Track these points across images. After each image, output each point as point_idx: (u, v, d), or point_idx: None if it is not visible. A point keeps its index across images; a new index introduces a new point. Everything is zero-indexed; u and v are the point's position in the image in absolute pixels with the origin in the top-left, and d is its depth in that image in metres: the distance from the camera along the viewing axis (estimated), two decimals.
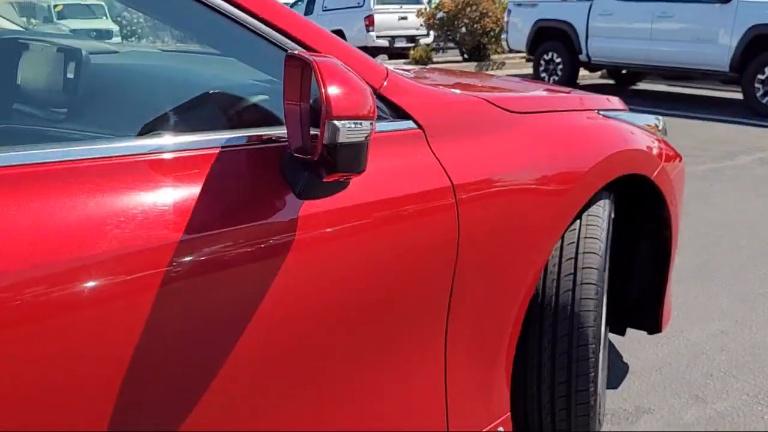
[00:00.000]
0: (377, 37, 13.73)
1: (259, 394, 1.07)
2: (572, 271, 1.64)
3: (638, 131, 1.94)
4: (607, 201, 1.75)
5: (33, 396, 0.84)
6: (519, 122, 1.55)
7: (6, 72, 1.40)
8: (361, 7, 13.87)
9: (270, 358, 1.07)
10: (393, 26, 13.97)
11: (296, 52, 1.03)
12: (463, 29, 12.44)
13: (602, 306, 1.72)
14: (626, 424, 2.03)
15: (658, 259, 2.07)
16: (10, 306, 0.80)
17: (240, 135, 1.11)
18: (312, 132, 1.01)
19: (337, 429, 1.21)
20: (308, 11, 14.84)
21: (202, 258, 0.98)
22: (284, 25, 1.15)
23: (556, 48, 9.94)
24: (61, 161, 0.92)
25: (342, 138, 0.90)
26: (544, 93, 1.92)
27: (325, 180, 1.00)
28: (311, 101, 1.01)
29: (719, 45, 7.98)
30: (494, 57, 12.72)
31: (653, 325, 2.16)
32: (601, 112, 1.88)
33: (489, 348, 1.52)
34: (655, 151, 1.93)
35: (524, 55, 11.49)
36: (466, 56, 12.86)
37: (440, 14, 12.74)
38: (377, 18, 13.70)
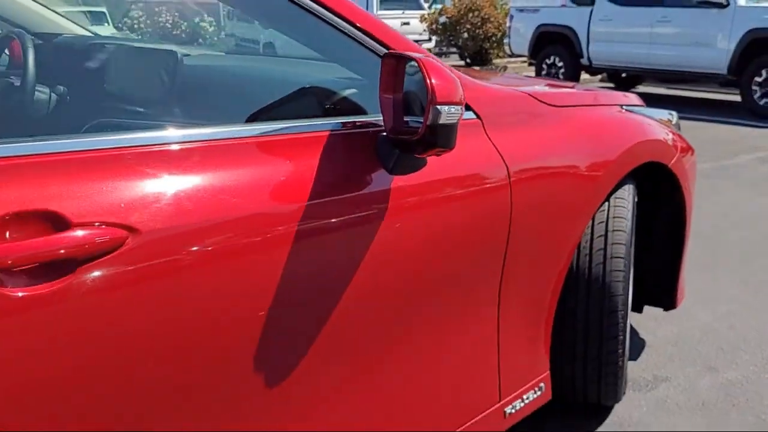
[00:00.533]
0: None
1: (357, 332, 1.28)
2: (603, 247, 1.86)
3: (656, 124, 2.16)
4: (631, 186, 1.97)
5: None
6: (557, 114, 1.77)
7: (113, 72, 1.61)
8: None
9: (370, 302, 1.28)
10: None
11: (396, 51, 1.24)
12: (465, 34, 12.69)
13: (629, 278, 1.93)
14: (646, 391, 2.24)
15: (674, 241, 2.29)
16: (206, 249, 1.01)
17: (336, 121, 1.32)
18: (405, 118, 1.23)
19: (420, 372, 1.42)
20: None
21: (315, 222, 1.18)
22: (372, 29, 1.36)
23: (557, 52, 10.18)
24: (203, 140, 1.13)
25: (443, 120, 1.12)
26: (576, 90, 2.14)
27: (421, 156, 1.21)
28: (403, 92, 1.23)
29: (717, 48, 8.21)
30: (496, 61, 12.96)
31: (669, 302, 2.38)
32: (624, 107, 2.10)
33: (533, 313, 1.74)
34: (671, 142, 2.15)
35: (525, 59, 11.73)
36: (468, 61, 13.10)
37: (443, 19, 12.98)
38: None
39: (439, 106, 1.11)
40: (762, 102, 7.86)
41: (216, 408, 1.08)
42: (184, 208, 1.01)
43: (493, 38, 12.62)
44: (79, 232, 0.89)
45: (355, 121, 1.34)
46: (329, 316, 1.21)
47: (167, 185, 1.02)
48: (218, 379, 1.08)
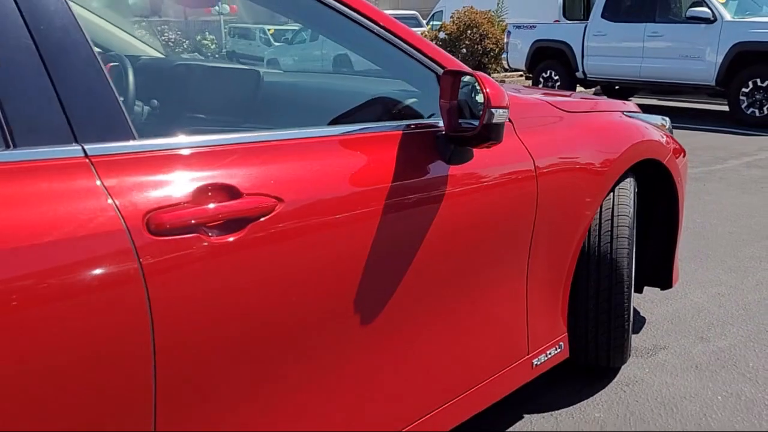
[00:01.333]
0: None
1: (428, 286, 1.65)
2: (609, 229, 2.22)
3: (651, 127, 2.54)
4: (632, 179, 2.34)
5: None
6: (571, 119, 2.15)
7: (217, 88, 1.98)
8: None
9: (435, 262, 1.64)
10: None
11: (453, 69, 1.62)
12: (465, 50, 13.15)
13: (632, 255, 2.30)
14: (647, 356, 2.60)
15: (668, 229, 2.66)
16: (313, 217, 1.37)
17: (401, 123, 1.69)
18: (460, 120, 1.60)
19: (471, 325, 1.79)
20: (313, 37, 15.47)
21: (394, 199, 1.54)
22: (429, 51, 1.74)
23: (553, 66, 10.63)
24: (296, 138, 1.49)
25: (495, 119, 1.49)
26: (585, 99, 2.52)
27: (477, 147, 1.59)
28: (458, 101, 1.60)
29: (706, 61, 8.66)
30: (494, 75, 13.41)
31: (666, 282, 2.74)
32: (624, 113, 2.48)
33: (554, 283, 2.10)
34: (665, 142, 2.53)
35: (522, 73, 12.19)
36: None
37: (442, 35, 13.44)
38: None
39: (492, 109, 1.49)
40: (749, 111, 8.28)
41: (336, 334, 1.44)
42: (310, 185, 1.38)
43: (491, 53, 13.08)
44: (247, 200, 1.25)
45: (417, 123, 1.71)
46: (407, 273, 1.57)
47: (296, 168, 1.39)
48: (338, 313, 1.44)
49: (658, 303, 3.06)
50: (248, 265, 1.24)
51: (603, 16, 10.02)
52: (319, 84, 2.22)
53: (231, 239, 1.21)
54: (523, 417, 2.22)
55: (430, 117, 1.73)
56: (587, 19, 13.34)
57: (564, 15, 15.36)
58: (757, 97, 8.22)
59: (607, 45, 9.86)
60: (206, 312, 1.19)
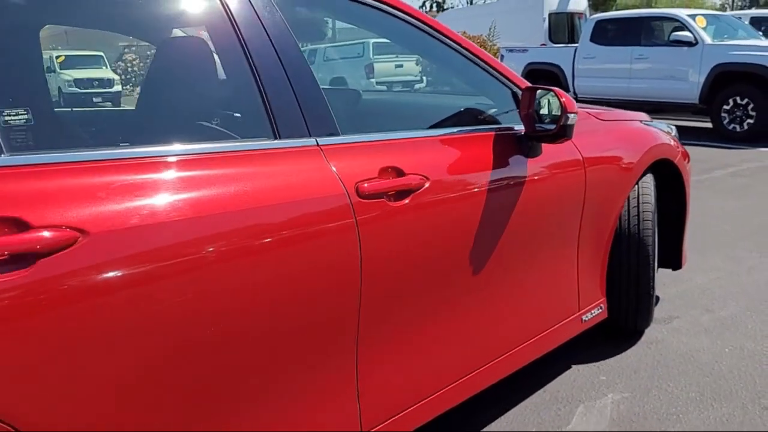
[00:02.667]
0: (377, 83, 15.02)
1: (516, 253, 2.17)
2: (636, 214, 2.77)
3: (663, 134, 3.10)
4: (651, 175, 2.89)
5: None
6: (606, 126, 2.70)
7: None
8: (361, 57, 15.22)
9: (520, 235, 2.17)
10: (390, 73, 15.29)
11: (532, 86, 2.16)
12: None
13: (655, 236, 2.84)
14: (664, 324, 3.14)
15: (678, 218, 3.21)
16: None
17: (486, 127, 2.23)
18: (537, 125, 2.15)
19: (539, 286, 2.32)
20: (310, 62, 16.09)
21: (490, 184, 2.08)
22: (504, 72, 2.29)
23: None
24: (426, 136, 2.02)
25: (570, 122, 2.04)
26: (614, 111, 3.07)
27: (556, 143, 2.13)
28: (534, 109, 2.15)
29: (689, 81, 9.33)
30: None
31: (677, 264, 3.28)
32: (642, 122, 3.04)
33: (596, 257, 2.63)
34: (674, 146, 3.09)
35: None
36: None
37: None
38: (376, 66, 15.03)
39: (568, 114, 2.03)
40: (730, 127, 8.95)
41: (454, 290, 1.97)
42: (444, 168, 1.91)
43: None
44: (409, 178, 1.78)
45: (499, 127, 2.25)
46: (503, 236, 2.10)
47: (434, 156, 1.92)
48: (463, 262, 1.96)
49: (669, 285, 3.61)
50: (411, 221, 1.77)
51: (592, 40, 10.71)
52: (421, 99, 2.76)
53: (401, 203, 1.74)
54: (571, 367, 2.74)
55: (505, 123, 2.27)
56: (571, 43, 14.11)
57: (550, 38, 16.16)
58: (738, 113, 8.89)
59: (597, 67, 10.53)
60: (390, 249, 1.71)
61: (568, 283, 2.51)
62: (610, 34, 10.58)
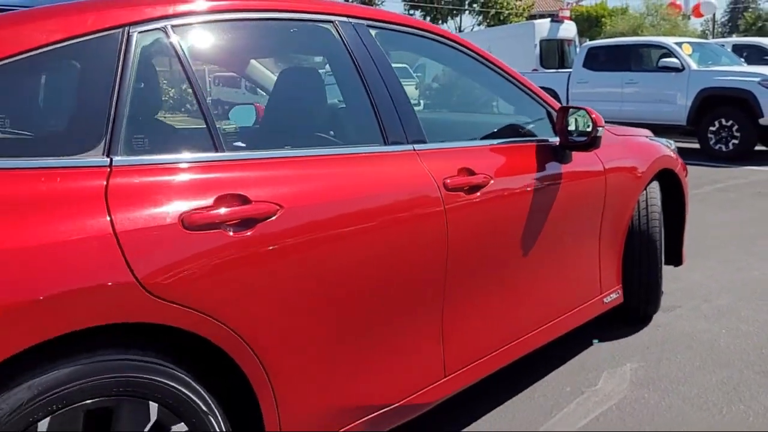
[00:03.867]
0: None
1: (555, 240, 2.66)
2: (646, 214, 3.27)
3: (665, 147, 3.62)
4: (657, 182, 3.40)
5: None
6: (621, 139, 3.21)
7: None
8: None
9: (557, 226, 2.66)
10: None
11: (565, 105, 2.67)
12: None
13: (662, 234, 3.34)
14: (668, 311, 3.62)
15: (678, 221, 3.71)
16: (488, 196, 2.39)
17: (528, 139, 2.73)
18: (571, 138, 2.65)
19: (568, 270, 2.80)
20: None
21: (538, 181, 2.57)
22: (540, 94, 2.80)
23: None
24: (468, 146, 2.52)
25: (599, 134, 2.54)
26: (626, 127, 3.58)
27: (587, 151, 2.63)
28: (566, 124, 2.66)
29: (677, 105, 9.93)
30: None
31: (678, 260, 3.78)
32: (648, 137, 3.56)
33: (613, 250, 3.12)
34: (674, 157, 3.61)
35: None
36: None
37: (436, 85, 14.68)
38: None
39: (598, 127, 2.54)
40: (716, 147, 9.53)
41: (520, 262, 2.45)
42: (502, 170, 2.40)
43: None
44: (478, 177, 2.27)
45: (537, 139, 2.75)
46: (544, 227, 2.59)
47: (493, 161, 2.42)
48: (514, 242, 2.44)
49: (670, 281, 4.10)
50: (480, 210, 2.26)
51: (585, 65, 11.32)
52: (470, 116, 3.25)
53: (474, 196, 2.23)
54: (593, 344, 3.22)
55: (541, 136, 2.78)
56: (561, 68, 14.76)
57: (541, 64, 16.82)
58: (723, 134, 9.49)
59: (590, 91, 11.12)
60: (466, 231, 2.19)
61: (593, 270, 3.00)
62: (601, 60, 11.20)
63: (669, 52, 10.16)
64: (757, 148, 9.72)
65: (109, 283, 1.34)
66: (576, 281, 2.88)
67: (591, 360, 3.05)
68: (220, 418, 1.57)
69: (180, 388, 1.48)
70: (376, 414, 1.98)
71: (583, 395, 2.73)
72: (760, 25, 55.97)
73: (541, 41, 17.84)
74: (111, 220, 1.38)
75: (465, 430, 2.47)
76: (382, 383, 2.00)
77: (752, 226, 5.65)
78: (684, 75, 9.86)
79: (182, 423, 1.50)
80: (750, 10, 61.51)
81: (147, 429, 1.45)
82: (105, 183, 1.42)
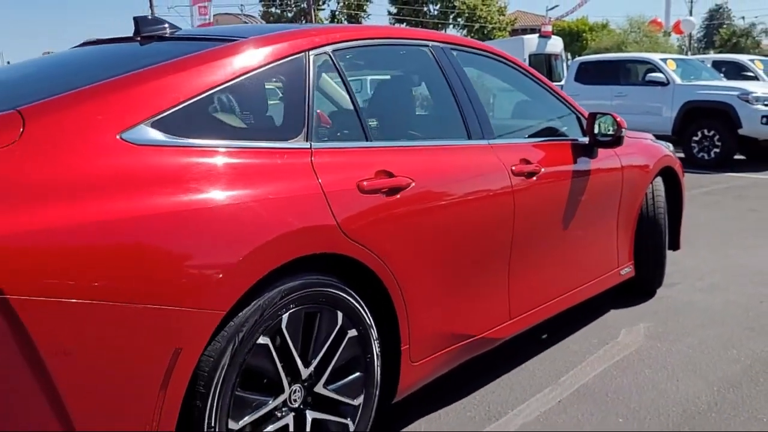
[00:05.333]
0: None
1: (583, 222, 3.33)
2: (653, 203, 3.96)
3: (665, 148, 4.31)
4: (660, 177, 4.09)
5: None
6: (632, 142, 3.89)
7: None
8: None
9: (587, 209, 3.32)
10: None
11: (594, 112, 3.34)
12: None
13: (666, 220, 4.02)
14: (669, 287, 4.30)
15: (676, 211, 4.40)
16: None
17: (563, 138, 3.40)
18: (599, 138, 3.33)
19: (592, 246, 3.47)
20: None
21: (575, 172, 3.23)
22: (571, 102, 3.47)
23: None
24: (522, 142, 3.18)
25: (623, 134, 3.22)
26: (635, 131, 4.26)
27: (612, 148, 3.30)
28: (594, 129, 3.33)
29: (663, 116, 10.71)
30: None
31: (675, 245, 4.46)
32: (651, 140, 4.25)
33: (627, 232, 3.80)
34: (674, 157, 4.30)
35: None
36: None
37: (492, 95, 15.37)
38: None
39: (621, 129, 3.22)
40: (699, 155, 10.31)
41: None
42: (547, 161, 3.06)
43: None
44: (533, 166, 2.92)
45: (570, 138, 3.42)
46: (578, 208, 3.25)
47: (541, 154, 3.08)
48: (559, 220, 3.10)
49: (668, 265, 4.73)
50: (535, 192, 2.91)
51: (576, 79, 12.09)
52: (521, 120, 3.89)
53: (531, 180, 2.88)
54: (609, 311, 3.89)
55: (572, 136, 3.44)
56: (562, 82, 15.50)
57: None
58: (705, 144, 10.27)
59: (581, 103, 11.70)
60: (526, 207, 2.84)
61: (612, 247, 3.67)
62: (592, 74, 11.97)
63: (655, 68, 10.96)
64: (737, 157, 10.54)
65: (322, 225, 1.98)
66: (601, 253, 3.55)
67: (610, 321, 3.72)
68: (375, 330, 2.21)
69: (355, 304, 2.11)
70: (464, 342, 2.62)
71: (607, 345, 3.39)
72: (734, 41, 57.62)
73: (530, 56, 18.67)
74: (320, 183, 2.01)
75: (521, 366, 3.11)
76: (470, 319, 2.65)
77: (735, 222, 6.38)
78: (669, 89, 10.64)
79: (354, 330, 2.13)
80: (725, 26, 63.26)
81: (335, 331, 2.08)
82: (310, 159, 2.06)
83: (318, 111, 3.38)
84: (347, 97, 2.34)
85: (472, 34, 46.90)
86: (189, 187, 1.73)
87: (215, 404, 1.75)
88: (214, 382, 1.74)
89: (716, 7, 67.89)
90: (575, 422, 2.61)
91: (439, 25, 48.14)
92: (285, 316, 1.91)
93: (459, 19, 47.40)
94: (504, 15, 48.23)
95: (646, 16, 31.91)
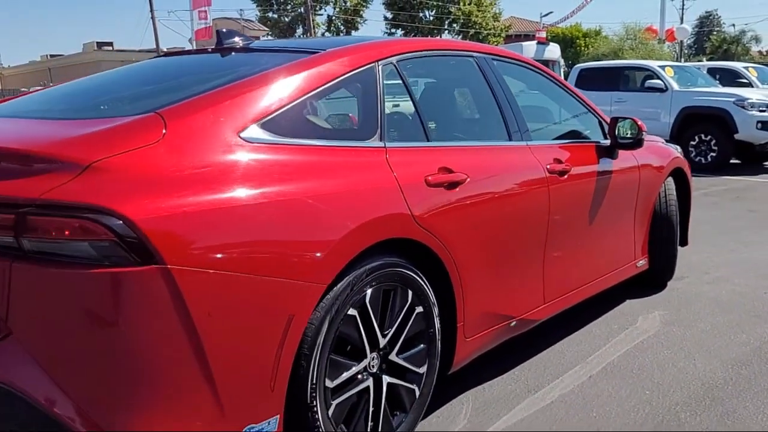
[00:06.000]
0: None
1: (605, 215, 3.64)
2: (665, 201, 4.28)
3: (675, 150, 4.63)
4: (671, 177, 4.41)
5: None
6: (647, 144, 4.20)
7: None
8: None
9: (608, 205, 3.64)
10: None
11: (616, 116, 3.66)
12: None
13: (677, 217, 4.34)
14: (678, 280, 4.62)
15: (684, 209, 4.72)
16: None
17: (587, 141, 3.72)
18: (620, 141, 3.64)
19: (613, 240, 3.78)
20: None
21: (599, 170, 3.55)
22: (594, 108, 3.79)
23: None
24: (552, 144, 3.49)
25: (642, 137, 3.54)
26: (648, 135, 4.58)
27: (633, 150, 3.62)
28: (615, 132, 3.65)
29: (661, 122, 11.06)
30: None
31: (684, 241, 4.79)
32: (663, 143, 4.58)
33: (642, 227, 4.11)
34: (683, 158, 4.62)
35: None
36: None
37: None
38: None
39: (641, 131, 3.53)
40: (696, 159, 10.66)
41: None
42: (574, 161, 3.37)
43: None
44: (563, 165, 3.23)
45: (593, 141, 3.73)
46: (602, 204, 3.56)
47: (568, 154, 3.39)
48: (584, 211, 3.41)
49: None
50: (565, 189, 3.22)
51: (576, 85, 12.41)
52: (552, 124, 4.19)
53: (563, 178, 3.19)
54: (626, 301, 4.20)
55: (594, 138, 3.76)
56: None
57: None
58: (702, 148, 10.64)
59: None
60: (558, 201, 3.15)
61: (630, 240, 3.98)
62: (592, 80, 12.32)
63: (653, 74, 11.33)
64: (732, 161, 10.91)
65: (400, 213, 2.28)
66: (620, 246, 3.87)
67: (627, 309, 4.03)
68: (437, 308, 2.50)
69: (423, 284, 2.41)
70: (507, 322, 2.93)
71: (627, 329, 3.70)
72: (725, 47, 58.39)
73: None
74: (395, 177, 2.31)
75: (551, 347, 3.42)
76: (512, 301, 2.95)
77: (735, 222, 6.72)
78: (667, 95, 11.01)
79: (421, 307, 2.43)
80: (714, 33, 64.05)
81: (406, 307, 2.38)
82: (386, 156, 2.36)
83: (350, 114, 3.68)
84: (410, 101, 2.64)
85: (467, 40, 47.29)
86: (294, 179, 2.03)
87: (316, 365, 2.04)
88: (316, 346, 2.03)
89: (706, 14, 68.77)
90: (607, 395, 2.91)
91: (435, 31, 48.56)
92: (369, 292, 2.21)
93: (454, 25, 47.85)
94: (499, 21, 48.72)
95: (642, 24, 32.44)
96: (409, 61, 2.72)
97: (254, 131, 2.03)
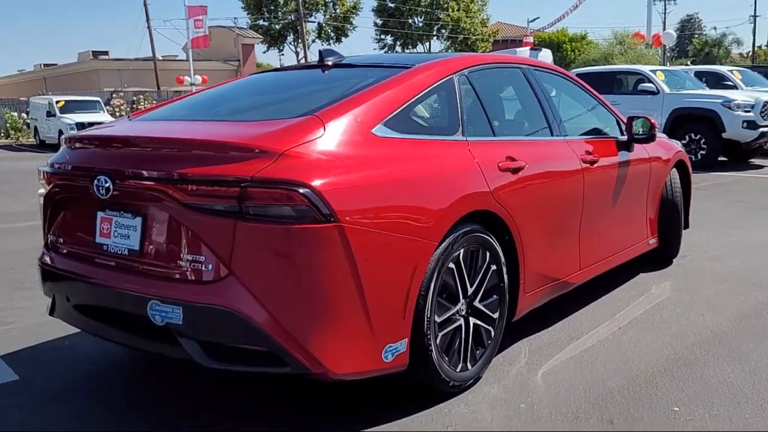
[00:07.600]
0: None
1: (623, 201, 4.34)
2: (671, 189, 4.98)
3: (677, 145, 5.33)
4: (675, 168, 5.11)
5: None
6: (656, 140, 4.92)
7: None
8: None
9: (624, 194, 4.33)
10: None
11: (632, 116, 4.35)
12: None
13: (681, 202, 5.05)
14: (681, 258, 5.31)
15: (686, 196, 5.42)
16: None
17: (607, 136, 4.41)
18: (635, 136, 4.34)
19: (629, 222, 4.48)
20: None
21: (619, 162, 4.23)
22: (611, 108, 4.49)
23: None
24: (582, 139, 4.18)
25: (655, 132, 4.23)
26: None
27: (646, 144, 4.32)
28: (632, 129, 4.35)
29: None
30: None
31: (686, 225, 5.49)
32: (666, 138, 5.28)
33: (653, 210, 4.81)
34: (684, 152, 5.33)
35: None
36: None
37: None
38: None
39: (654, 128, 4.23)
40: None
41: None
42: (598, 153, 4.06)
43: None
44: (592, 156, 3.92)
45: (612, 136, 4.42)
46: (622, 191, 4.25)
47: (593, 147, 4.08)
48: (606, 200, 4.10)
49: None
50: (595, 176, 3.90)
51: None
52: (579, 123, 4.87)
53: (593, 167, 3.87)
54: (639, 274, 4.89)
55: (612, 135, 4.44)
56: None
57: None
58: (693, 146, 11.41)
59: None
60: (590, 186, 3.82)
61: (643, 221, 4.68)
62: (587, 84, 13.07)
63: (645, 78, 12.11)
64: (720, 158, 11.70)
65: (483, 190, 2.95)
66: (636, 226, 4.56)
67: (642, 281, 4.72)
68: (505, 267, 3.17)
69: (496, 247, 3.08)
70: (554, 283, 3.60)
71: (644, 295, 4.39)
72: (707, 50, 59.69)
73: None
74: (477, 162, 2.99)
75: (583, 308, 4.10)
76: (558, 265, 3.63)
77: (728, 210, 7.47)
78: (659, 97, 11.78)
79: (494, 265, 3.10)
80: (696, 36, 65.38)
81: (485, 265, 3.05)
82: (468, 147, 3.03)
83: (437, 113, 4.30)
84: (480, 104, 3.32)
85: (456, 46, 48.20)
86: (410, 164, 2.70)
87: (430, 303, 2.70)
88: (430, 289, 2.70)
89: (687, 18, 70.14)
90: (635, 341, 3.59)
91: (424, 37, 49.34)
92: (461, 251, 2.87)
93: (443, 31, 48.71)
94: (486, 27, 49.65)
95: (630, 29, 33.44)
96: (476, 72, 3.40)
97: (381, 129, 2.70)
